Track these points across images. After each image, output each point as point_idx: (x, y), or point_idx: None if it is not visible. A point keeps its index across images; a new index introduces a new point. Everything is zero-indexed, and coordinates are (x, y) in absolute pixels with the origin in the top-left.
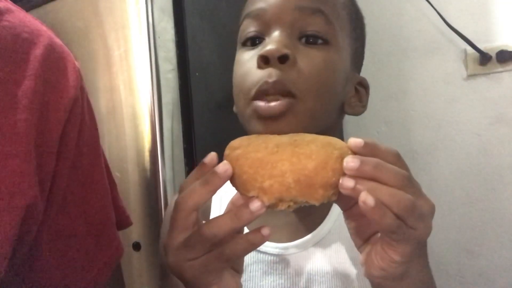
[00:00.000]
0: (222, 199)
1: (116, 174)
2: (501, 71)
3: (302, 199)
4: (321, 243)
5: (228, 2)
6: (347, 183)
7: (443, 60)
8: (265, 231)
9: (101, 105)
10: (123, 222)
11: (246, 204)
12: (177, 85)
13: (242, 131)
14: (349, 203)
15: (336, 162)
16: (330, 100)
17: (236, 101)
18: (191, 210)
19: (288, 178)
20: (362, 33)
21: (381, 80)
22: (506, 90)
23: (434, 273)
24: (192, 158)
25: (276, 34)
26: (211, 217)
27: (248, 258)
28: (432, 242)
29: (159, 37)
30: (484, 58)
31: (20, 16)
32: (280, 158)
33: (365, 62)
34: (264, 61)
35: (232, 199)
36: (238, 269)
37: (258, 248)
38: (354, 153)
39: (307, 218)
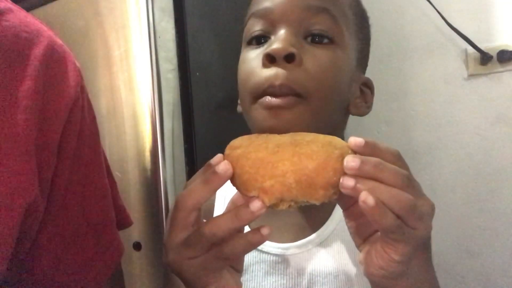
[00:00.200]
0: (226, 198)
1: (116, 174)
2: (502, 71)
3: (303, 199)
4: (324, 244)
5: (228, 2)
6: (348, 182)
7: (443, 60)
8: (265, 230)
9: (101, 105)
10: (123, 222)
11: (246, 204)
12: (178, 85)
13: (243, 131)
14: (349, 203)
15: (337, 161)
16: (336, 101)
17: (241, 99)
18: (191, 209)
19: (289, 178)
20: (367, 33)
21: (381, 80)
22: (506, 90)
23: None
24: (192, 158)
25: (282, 32)
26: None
27: (250, 258)
28: (432, 242)
29: (159, 37)
30: (484, 58)
31: (20, 16)
32: (281, 158)
33: None
34: (270, 60)
35: (232, 198)
36: (238, 268)
37: (260, 248)
38: (355, 152)
39: (310, 219)
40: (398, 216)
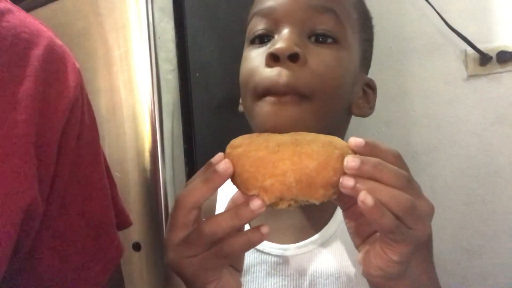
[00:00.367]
0: (228, 197)
1: (116, 174)
2: (501, 72)
3: (303, 198)
4: (325, 245)
5: (228, 2)
6: (347, 182)
7: (443, 60)
8: (264, 229)
9: (101, 105)
10: (123, 222)
11: (246, 202)
12: (177, 85)
13: (243, 132)
14: (349, 203)
15: (337, 161)
16: (339, 101)
17: (243, 98)
18: (191, 208)
19: (289, 177)
20: (371, 34)
21: (381, 80)
22: (506, 90)
23: None
24: (192, 158)
25: (286, 32)
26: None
27: (252, 259)
28: (432, 242)
29: (159, 38)
30: (484, 58)
31: (20, 17)
32: (282, 157)
33: None
34: (274, 59)
35: (232, 197)
36: (238, 268)
37: (261, 249)
38: (355, 152)
39: (311, 220)
40: (397, 217)
